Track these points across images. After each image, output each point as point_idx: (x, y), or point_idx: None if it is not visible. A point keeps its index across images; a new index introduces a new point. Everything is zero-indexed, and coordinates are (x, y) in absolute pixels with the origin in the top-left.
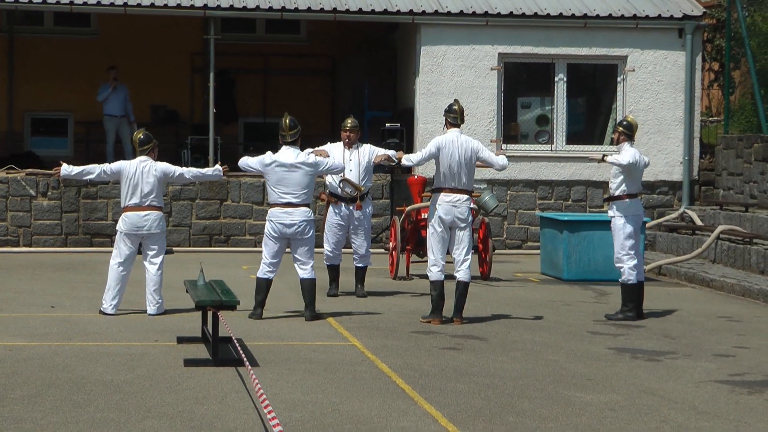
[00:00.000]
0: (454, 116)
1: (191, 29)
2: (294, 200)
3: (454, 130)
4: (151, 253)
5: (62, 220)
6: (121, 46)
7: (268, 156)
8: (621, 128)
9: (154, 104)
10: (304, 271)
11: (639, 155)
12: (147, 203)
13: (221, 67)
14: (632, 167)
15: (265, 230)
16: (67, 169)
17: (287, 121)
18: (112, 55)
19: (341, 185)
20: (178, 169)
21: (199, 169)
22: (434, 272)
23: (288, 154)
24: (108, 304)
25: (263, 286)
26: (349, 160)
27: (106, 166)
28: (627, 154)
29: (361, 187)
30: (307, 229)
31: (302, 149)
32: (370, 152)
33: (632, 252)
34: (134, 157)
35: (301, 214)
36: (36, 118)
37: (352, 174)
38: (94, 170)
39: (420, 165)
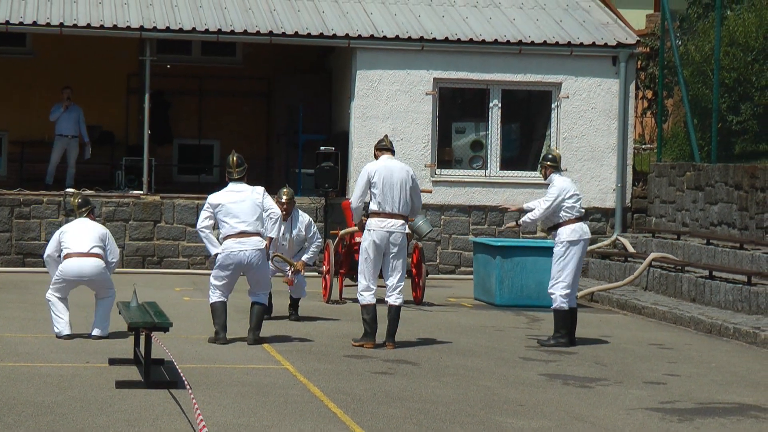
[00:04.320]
0: (385, 144)
1: (127, 50)
2: (247, 228)
3: (386, 156)
4: (101, 293)
5: None
6: (57, 66)
7: (212, 198)
8: (548, 163)
9: (90, 125)
10: (257, 297)
11: (562, 188)
12: (88, 251)
13: (157, 89)
14: (555, 203)
15: (217, 261)
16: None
17: (234, 158)
18: (48, 76)
19: (274, 260)
20: (114, 246)
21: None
22: (366, 296)
23: (235, 187)
24: (61, 327)
25: (220, 309)
26: (282, 234)
27: (50, 248)
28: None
29: (295, 263)
30: (261, 259)
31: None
32: (303, 225)
33: (567, 281)
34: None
35: (254, 243)
36: None
37: (285, 248)
38: (51, 259)
39: (361, 200)
